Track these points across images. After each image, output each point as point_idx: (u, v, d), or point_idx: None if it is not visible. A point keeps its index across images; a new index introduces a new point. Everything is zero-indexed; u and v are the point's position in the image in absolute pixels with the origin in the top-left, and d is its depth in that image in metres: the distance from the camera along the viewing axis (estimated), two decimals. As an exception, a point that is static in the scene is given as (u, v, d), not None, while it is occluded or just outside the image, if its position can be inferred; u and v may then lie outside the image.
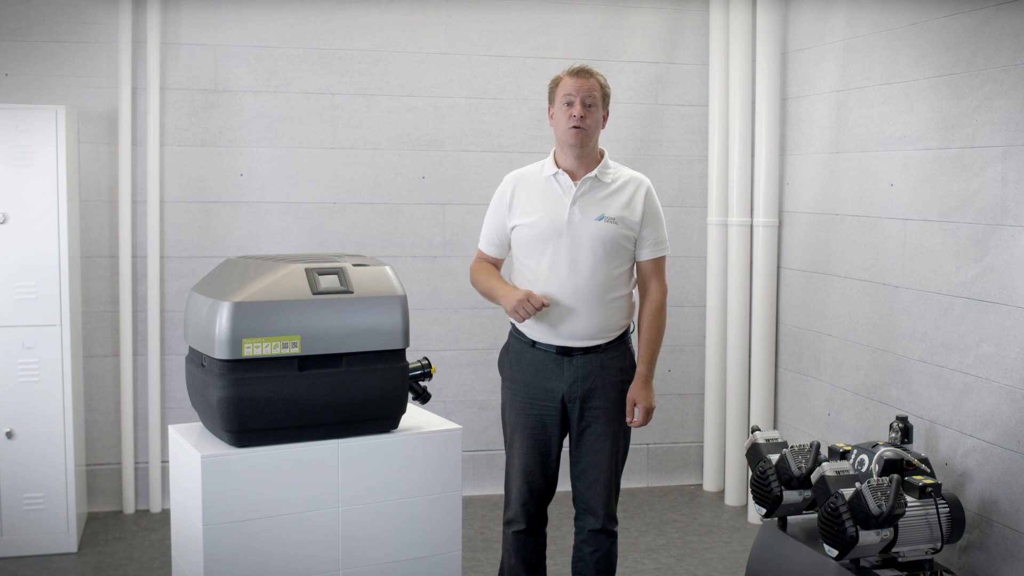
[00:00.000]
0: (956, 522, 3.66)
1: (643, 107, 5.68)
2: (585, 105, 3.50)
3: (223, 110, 5.29)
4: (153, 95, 5.17)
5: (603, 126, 3.60)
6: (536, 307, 3.44)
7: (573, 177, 3.56)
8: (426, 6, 5.45)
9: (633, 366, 3.62)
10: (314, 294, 3.08)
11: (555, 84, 3.61)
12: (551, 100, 3.61)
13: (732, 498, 5.58)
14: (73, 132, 4.83)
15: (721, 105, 5.56)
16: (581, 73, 3.55)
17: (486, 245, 3.73)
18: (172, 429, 3.30)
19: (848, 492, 3.48)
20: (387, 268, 3.27)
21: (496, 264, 3.75)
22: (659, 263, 3.61)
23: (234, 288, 3.06)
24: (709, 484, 5.82)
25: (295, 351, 3.03)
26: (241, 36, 5.29)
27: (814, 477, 3.69)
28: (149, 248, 5.22)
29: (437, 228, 5.45)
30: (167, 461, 5.13)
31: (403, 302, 3.20)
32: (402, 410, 3.27)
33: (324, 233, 5.39)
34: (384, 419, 3.24)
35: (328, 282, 3.13)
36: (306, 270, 3.13)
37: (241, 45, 5.29)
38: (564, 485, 3.76)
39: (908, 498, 3.60)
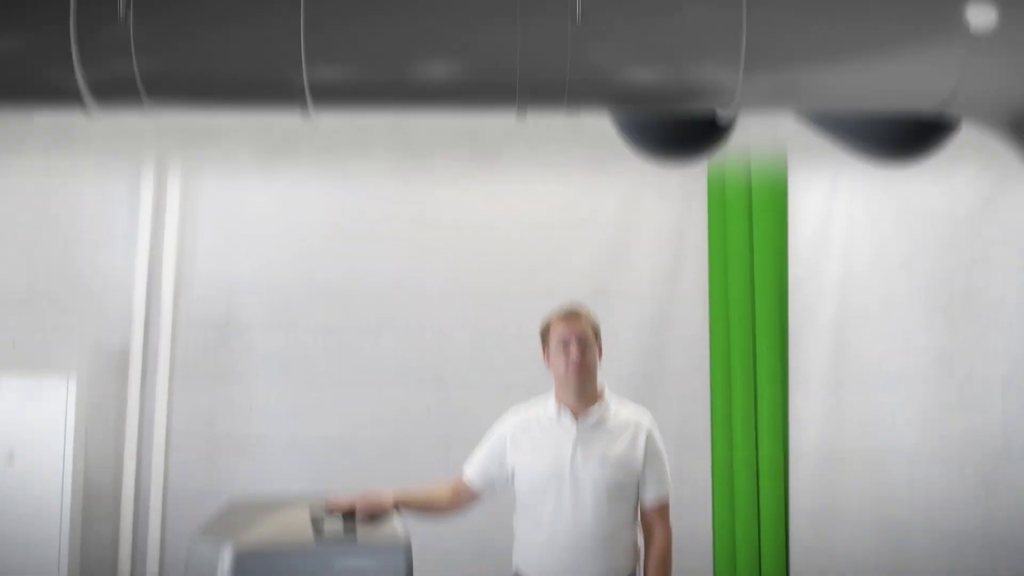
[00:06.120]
0: None
1: (644, 343, 5.68)
2: (581, 345, 3.55)
3: (235, 346, 5.39)
4: (165, 331, 5.31)
5: (599, 362, 3.62)
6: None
7: (574, 415, 3.56)
8: (433, 243, 5.59)
9: (639, 615, 3.51)
10: (316, 542, 3.07)
11: (546, 328, 3.64)
12: (544, 343, 3.65)
13: None
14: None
15: (722, 337, 5.58)
16: (571, 316, 3.59)
17: (471, 468, 3.67)
18: None
19: None
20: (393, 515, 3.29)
21: (463, 493, 3.68)
22: (663, 508, 3.55)
23: (236, 534, 3.06)
24: None
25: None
26: (254, 271, 5.44)
27: None
28: (152, 486, 5.24)
29: (441, 464, 5.39)
30: None
31: (407, 551, 3.16)
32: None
33: (331, 470, 5.33)
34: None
35: (332, 525, 3.14)
36: (311, 516, 3.15)
37: (254, 280, 5.43)
38: None
39: None
